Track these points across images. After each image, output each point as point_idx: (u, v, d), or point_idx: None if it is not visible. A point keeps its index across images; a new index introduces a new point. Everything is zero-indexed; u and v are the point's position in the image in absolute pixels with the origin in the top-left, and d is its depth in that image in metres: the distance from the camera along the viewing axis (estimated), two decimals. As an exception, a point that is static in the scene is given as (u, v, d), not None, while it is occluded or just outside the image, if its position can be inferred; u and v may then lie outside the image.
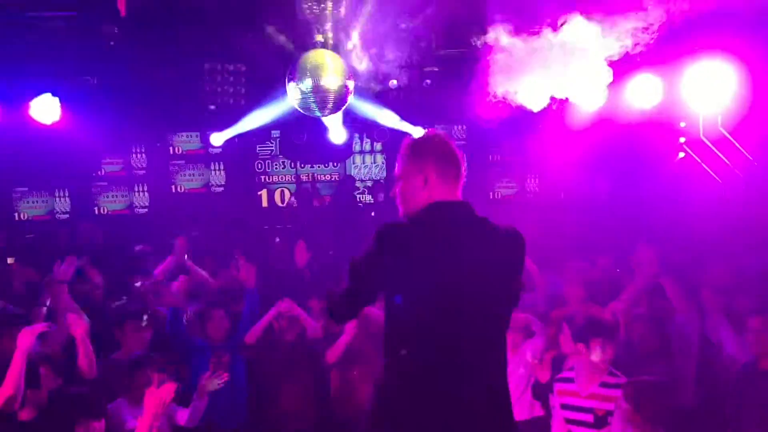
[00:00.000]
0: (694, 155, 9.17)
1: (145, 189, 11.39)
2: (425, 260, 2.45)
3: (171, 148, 11.46)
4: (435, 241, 2.49)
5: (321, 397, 5.08)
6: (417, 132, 10.78)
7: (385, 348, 2.56)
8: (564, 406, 4.04)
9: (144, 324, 4.84)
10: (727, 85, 7.06)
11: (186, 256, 6.41)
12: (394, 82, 9.11)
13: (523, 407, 4.81)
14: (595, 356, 3.96)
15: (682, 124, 8.82)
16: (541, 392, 4.65)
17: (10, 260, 8.42)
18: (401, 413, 2.47)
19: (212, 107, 9.31)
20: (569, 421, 4.00)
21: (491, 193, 12.13)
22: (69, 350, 4.40)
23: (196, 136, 11.39)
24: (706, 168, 9.01)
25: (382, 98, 9.79)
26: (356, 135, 11.69)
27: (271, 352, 5.00)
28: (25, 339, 3.50)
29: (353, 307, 2.70)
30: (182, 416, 4.14)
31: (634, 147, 9.24)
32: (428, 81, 9.45)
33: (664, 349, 4.64)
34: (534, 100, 5.08)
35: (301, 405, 4.91)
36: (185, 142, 11.48)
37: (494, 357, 2.55)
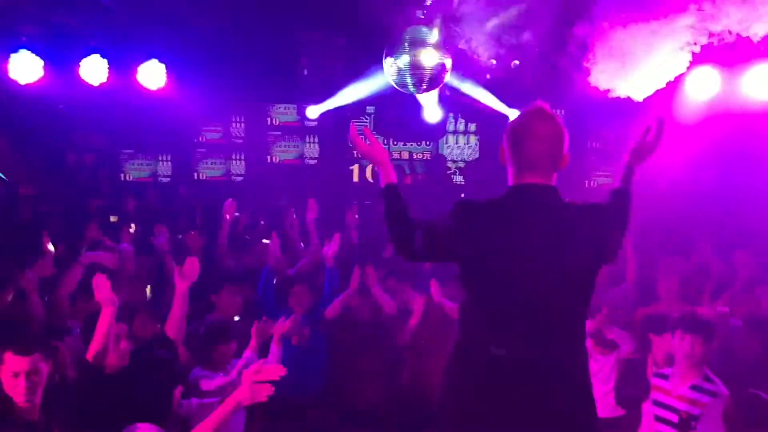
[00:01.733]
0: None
1: (242, 157, 11.69)
2: (494, 236, 2.37)
3: (268, 119, 11.68)
4: (505, 223, 2.39)
5: (392, 378, 5.08)
6: (512, 114, 10.54)
7: (458, 330, 2.50)
8: (655, 402, 3.90)
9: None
10: None
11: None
12: (516, 62, 8.87)
13: (606, 406, 4.66)
14: (684, 352, 3.77)
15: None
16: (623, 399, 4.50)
17: (113, 218, 8.83)
18: (470, 402, 2.41)
19: (305, 72, 9.35)
20: (657, 419, 3.85)
21: (587, 182, 11.74)
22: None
23: (293, 108, 11.56)
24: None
25: (479, 78, 9.60)
26: (450, 114, 11.54)
27: (348, 328, 5.04)
28: (102, 288, 3.46)
29: (426, 252, 2.52)
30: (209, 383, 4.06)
31: (748, 141, 8.68)
32: (516, 62, 9.17)
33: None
34: (637, 89, 4.85)
35: (374, 382, 4.93)
36: (282, 113, 11.66)
37: (570, 337, 2.44)
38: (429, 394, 4.80)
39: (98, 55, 8.17)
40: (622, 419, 4.66)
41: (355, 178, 11.94)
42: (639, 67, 4.21)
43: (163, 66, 8.45)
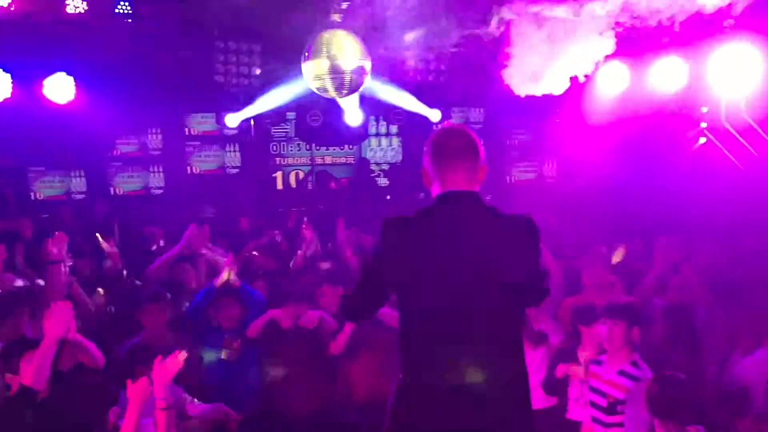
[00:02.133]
0: (716, 141, 8.99)
1: (161, 170, 11.37)
2: (423, 254, 2.40)
3: (186, 129, 11.41)
4: (433, 233, 2.43)
5: (329, 388, 5.01)
6: (434, 115, 10.68)
7: (398, 346, 2.51)
8: (590, 388, 4.01)
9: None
10: (753, 70, 6.87)
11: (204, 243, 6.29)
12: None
13: (536, 398, 4.73)
14: (607, 338, 3.90)
15: (704, 110, 8.64)
16: (554, 388, 4.58)
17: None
18: (414, 416, 2.42)
19: (220, 79, 9.18)
20: (591, 403, 3.96)
21: (508, 177, 12.01)
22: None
23: (212, 117, 11.33)
24: (728, 154, 8.83)
25: (399, 81, 9.68)
26: (372, 118, 11.58)
27: (279, 341, 4.92)
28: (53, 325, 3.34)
29: (366, 304, 2.64)
30: (195, 408, 4.05)
31: (656, 132, 9.07)
32: (442, 66, 9.33)
33: (687, 342, 4.53)
34: (553, 83, 4.98)
35: (309, 395, 4.84)
36: (200, 123, 11.42)
37: (507, 350, 2.45)
38: (363, 399, 4.78)
39: (0, 70, 7.78)
40: (554, 409, 4.74)
41: (279, 186, 11.81)
42: (554, 63, 4.34)
43: (71, 78, 8.11)
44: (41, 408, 3.24)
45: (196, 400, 4.07)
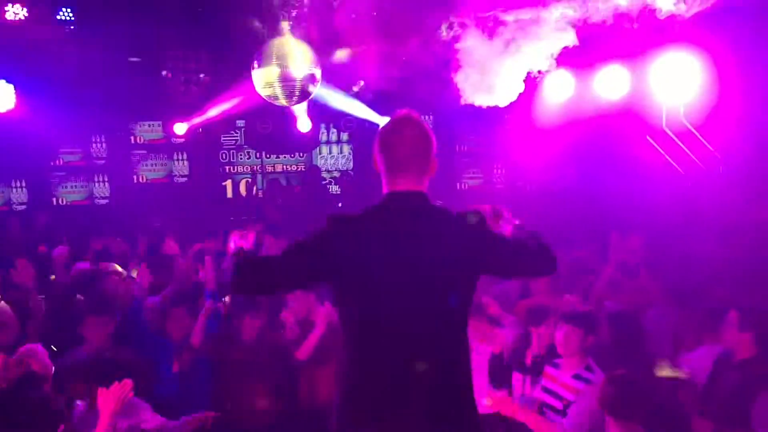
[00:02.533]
0: (657, 146, 9.26)
1: (106, 179, 11.12)
2: (365, 253, 2.35)
3: (132, 138, 11.19)
4: (377, 233, 2.37)
5: (288, 396, 4.96)
6: (383, 121, 10.70)
7: (341, 345, 2.44)
8: (544, 389, 4.05)
9: None
10: (692, 77, 7.13)
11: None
12: (361, 83, 9.03)
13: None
14: (561, 342, 3.96)
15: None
16: (500, 377, 4.62)
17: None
18: (355, 417, 2.38)
19: (168, 87, 9.05)
20: (546, 405, 4.01)
21: (458, 184, 12.14)
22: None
23: (159, 125, 11.14)
24: (669, 159, 9.11)
25: (349, 89, 9.69)
26: (322, 125, 11.57)
27: (234, 351, 4.85)
28: None
29: (271, 277, 2.45)
30: (152, 422, 3.92)
31: (601, 138, 9.30)
32: (361, 84, 9.40)
33: (638, 343, 4.64)
34: (499, 97, 5.06)
35: (268, 404, 4.78)
36: (147, 131, 11.22)
37: (451, 348, 2.41)
38: (326, 406, 4.74)
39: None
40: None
41: (229, 194, 11.69)
42: (500, 74, 4.40)
43: (11, 86, 7.87)
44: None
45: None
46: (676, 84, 7.27)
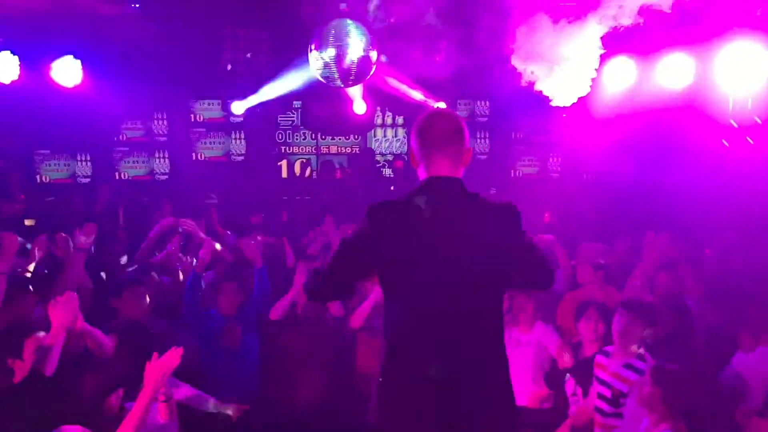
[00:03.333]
0: (723, 140, 8.96)
1: (166, 155, 11.40)
2: (405, 239, 2.45)
3: (192, 116, 11.43)
4: (415, 219, 2.47)
5: (332, 379, 4.99)
6: (440, 105, 10.68)
7: (384, 343, 2.54)
8: (596, 379, 4.01)
9: None
10: (762, 67, 6.86)
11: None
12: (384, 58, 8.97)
13: (534, 394, 4.74)
14: (618, 331, 3.91)
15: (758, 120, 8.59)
16: (556, 381, 4.60)
17: (28, 222, 8.47)
18: (395, 395, 2.48)
19: (228, 67, 9.20)
20: (598, 395, 3.97)
21: (512, 171, 12.00)
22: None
23: (218, 104, 11.34)
24: (734, 152, 8.81)
25: (407, 71, 9.67)
26: (378, 108, 11.58)
27: (290, 328, 4.92)
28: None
29: (333, 284, 2.60)
30: (183, 391, 4.02)
31: (662, 129, 9.05)
32: (438, 56, 9.29)
33: (683, 336, 4.55)
34: (559, 93, 4.97)
35: (320, 383, 4.82)
36: (206, 109, 11.43)
37: (484, 332, 2.49)
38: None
39: (9, 52, 7.79)
40: (554, 409, 4.74)
41: (284, 174, 11.84)
42: (565, 66, 4.33)
43: (78, 62, 8.12)
44: (47, 392, 3.30)
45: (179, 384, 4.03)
46: (744, 74, 7.00)
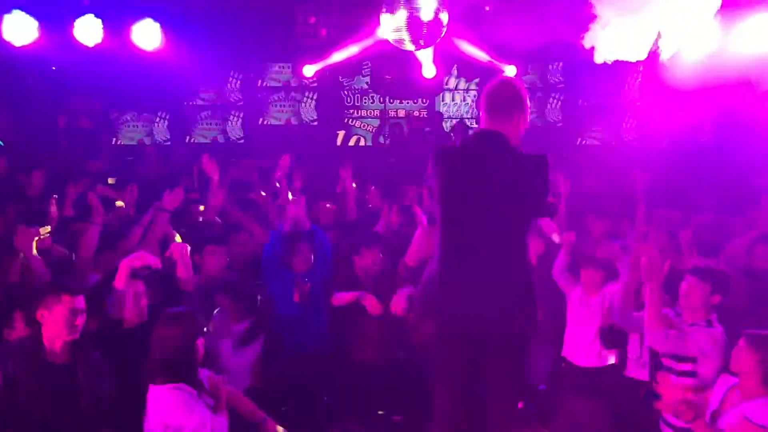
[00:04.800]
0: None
1: (240, 116, 11.64)
2: (457, 174, 3.17)
3: (262, 80, 11.62)
4: (462, 158, 3.22)
5: (397, 338, 5.09)
6: (510, 70, 10.53)
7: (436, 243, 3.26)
8: (666, 335, 3.94)
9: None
10: None
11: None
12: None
13: (592, 354, 4.75)
14: (684, 292, 3.86)
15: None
16: (613, 339, 4.57)
17: (111, 180, 8.84)
18: (433, 294, 3.22)
19: (299, 31, 9.28)
20: (662, 354, 3.93)
21: (579, 139, 11.75)
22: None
23: (288, 67, 11.49)
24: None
25: (477, 34, 9.56)
26: (448, 72, 11.50)
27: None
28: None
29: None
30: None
31: (745, 97, 8.66)
32: (488, 8, 9.10)
33: (755, 307, 4.44)
34: (634, 48, 4.81)
35: (383, 333, 4.94)
36: (278, 72, 11.60)
37: (511, 250, 3.16)
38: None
39: (92, 15, 8.06)
40: (611, 368, 4.74)
41: (338, 142, 11.91)
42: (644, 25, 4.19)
43: (158, 25, 8.35)
44: (133, 337, 3.51)
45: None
46: None
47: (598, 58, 4.70)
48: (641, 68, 8.81)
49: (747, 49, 7.64)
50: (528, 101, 3.27)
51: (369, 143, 11.85)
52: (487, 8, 8.78)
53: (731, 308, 4.18)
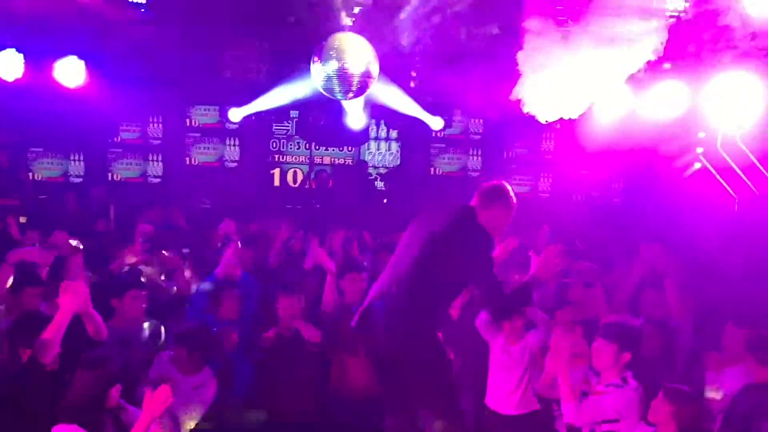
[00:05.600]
0: (710, 167, 9.14)
1: (160, 159, 11.44)
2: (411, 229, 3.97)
3: (188, 120, 11.49)
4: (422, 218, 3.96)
5: (322, 385, 5.05)
6: (435, 122, 10.84)
7: None
8: (583, 393, 4.05)
9: None
10: (752, 99, 7.02)
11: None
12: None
13: (513, 402, 4.85)
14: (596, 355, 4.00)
15: (701, 134, 8.79)
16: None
17: (22, 219, 8.46)
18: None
19: (228, 75, 9.30)
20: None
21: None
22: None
23: (215, 110, 11.42)
24: (721, 181, 8.99)
25: (403, 86, 9.80)
26: (373, 121, 11.69)
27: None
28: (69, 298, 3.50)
29: None
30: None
31: (652, 155, 9.21)
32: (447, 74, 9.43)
33: (667, 356, 4.65)
34: (570, 107, 5.05)
35: (303, 390, 4.87)
36: (203, 115, 11.51)
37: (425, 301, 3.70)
38: (361, 395, 4.83)
39: (14, 50, 7.81)
40: (536, 414, 4.84)
41: (276, 182, 11.89)
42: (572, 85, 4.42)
43: (82, 63, 8.16)
44: (48, 380, 3.34)
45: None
46: (736, 105, 7.16)
47: (528, 111, 4.92)
48: (558, 126, 9.19)
49: (655, 114, 8.19)
50: (510, 203, 3.83)
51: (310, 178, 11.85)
52: (414, 74, 9.08)
53: (647, 360, 4.37)
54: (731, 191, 8.80)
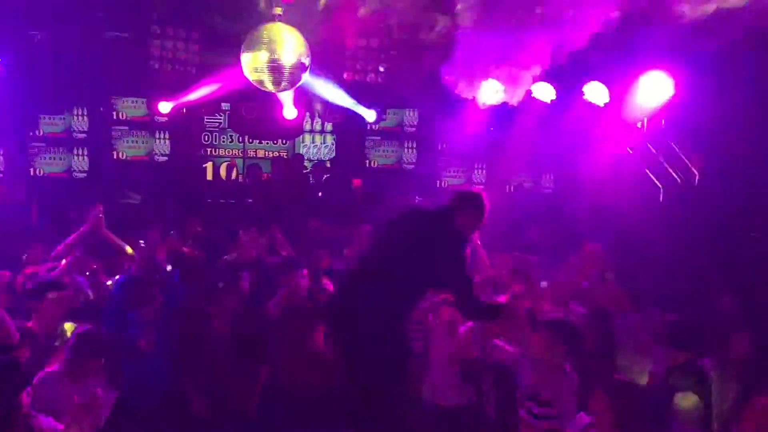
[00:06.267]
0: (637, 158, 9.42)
1: (86, 153, 11.01)
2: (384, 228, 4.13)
3: (114, 113, 11.09)
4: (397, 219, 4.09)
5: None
6: (369, 115, 10.81)
7: None
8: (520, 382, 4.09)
9: None
10: (668, 96, 7.42)
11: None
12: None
13: (454, 391, 4.87)
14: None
15: (639, 125, 9.11)
16: (472, 374, 4.71)
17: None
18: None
19: (156, 66, 9.00)
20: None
21: (438, 182, 12.18)
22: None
23: (143, 102, 11.05)
24: (648, 173, 9.28)
25: (337, 78, 9.72)
26: (308, 114, 11.55)
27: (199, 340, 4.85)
28: None
29: None
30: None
31: (583, 145, 9.42)
32: (381, 68, 9.42)
33: (607, 348, 4.75)
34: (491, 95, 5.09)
35: (228, 395, 4.76)
36: (130, 107, 11.12)
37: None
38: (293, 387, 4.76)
39: None
40: (471, 407, 4.88)
41: (209, 176, 11.63)
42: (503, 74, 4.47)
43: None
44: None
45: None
46: (655, 101, 7.53)
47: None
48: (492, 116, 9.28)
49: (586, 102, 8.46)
50: (483, 210, 3.98)
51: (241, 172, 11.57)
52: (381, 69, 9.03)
53: (587, 351, 4.44)
54: (657, 182, 9.09)
